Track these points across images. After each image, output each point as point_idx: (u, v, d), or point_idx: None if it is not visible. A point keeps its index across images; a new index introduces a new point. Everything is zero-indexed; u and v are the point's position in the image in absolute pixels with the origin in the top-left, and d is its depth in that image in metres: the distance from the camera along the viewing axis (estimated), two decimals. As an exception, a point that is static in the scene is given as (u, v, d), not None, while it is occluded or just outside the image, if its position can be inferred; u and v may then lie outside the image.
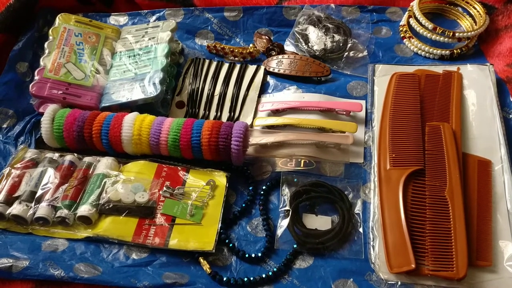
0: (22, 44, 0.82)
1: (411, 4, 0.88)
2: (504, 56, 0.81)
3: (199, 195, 0.67)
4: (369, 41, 0.86)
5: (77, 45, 0.79)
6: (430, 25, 0.84)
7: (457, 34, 0.82)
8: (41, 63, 0.76)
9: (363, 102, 0.78)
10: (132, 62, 0.79)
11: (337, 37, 0.85)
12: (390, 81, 0.78)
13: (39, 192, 0.65)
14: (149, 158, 0.71)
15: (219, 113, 0.78)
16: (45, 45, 0.77)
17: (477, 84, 0.77)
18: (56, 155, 0.70)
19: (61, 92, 0.74)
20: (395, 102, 0.74)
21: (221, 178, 0.69)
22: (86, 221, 0.63)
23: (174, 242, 0.62)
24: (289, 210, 0.65)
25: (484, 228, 0.62)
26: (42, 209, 0.63)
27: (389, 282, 0.60)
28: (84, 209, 0.63)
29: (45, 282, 0.59)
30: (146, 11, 0.91)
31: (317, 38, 0.85)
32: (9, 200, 0.64)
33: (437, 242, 0.60)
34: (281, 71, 0.83)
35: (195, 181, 0.69)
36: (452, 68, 0.80)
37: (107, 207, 0.64)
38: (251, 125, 0.76)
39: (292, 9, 0.90)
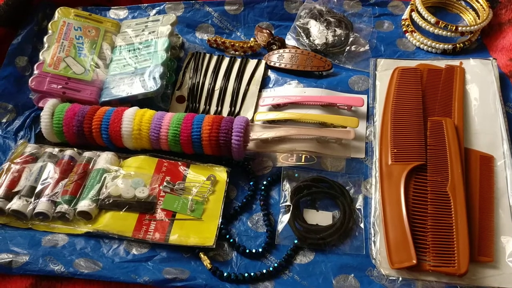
0: (21, 38, 0.82)
1: (414, -3, 0.87)
2: (507, 51, 0.80)
3: (200, 190, 0.66)
4: (371, 35, 0.86)
5: (76, 39, 0.78)
6: (432, 19, 0.83)
7: (460, 28, 0.82)
8: (41, 57, 0.75)
9: (364, 96, 0.77)
10: (132, 56, 0.78)
11: (338, 31, 0.84)
12: (392, 75, 0.78)
13: (39, 187, 0.65)
14: (150, 153, 0.71)
15: (219, 108, 0.78)
16: (45, 39, 0.77)
17: (479, 78, 0.77)
18: (56, 150, 0.70)
19: (61, 86, 0.74)
20: (397, 97, 0.74)
21: (221, 173, 0.69)
22: (86, 216, 0.63)
23: (174, 237, 0.62)
24: (290, 205, 0.65)
25: (486, 223, 0.62)
26: (42, 204, 0.63)
27: (390, 278, 0.60)
28: (84, 204, 0.63)
29: (45, 277, 0.59)
30: (146, 4, 0.91)
31: (318, 32, 0.84)
32: (9, 195, 0.64)
33: (438, 237, 0.60)
34: (282, 66, 0.82)
35: (195, 176, 0.68)
36: (455, 62, 0.79)
37: (107, 202, 0.64)
38: (252, 120, 0.76)
39: (294, 2, 0.90)
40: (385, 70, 0.79)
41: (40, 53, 0.76)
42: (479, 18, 0.85)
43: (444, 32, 0.83)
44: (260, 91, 0.80)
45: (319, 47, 0.83)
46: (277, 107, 0.78)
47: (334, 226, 0.63)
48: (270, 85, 0.81)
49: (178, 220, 0.64)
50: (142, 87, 0.73)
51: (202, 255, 0.61)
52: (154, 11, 0.90)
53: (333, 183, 0.67)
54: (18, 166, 0.67)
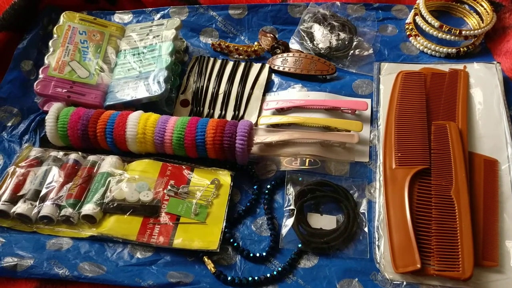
0: (27, 42, 0.82)
1: (417, 1, 0.87)
2: (511, 54, 0.80)
3: (204, 194, 0.67)
4: (374, 39, 0.86)
5: (81, 43, 0.79)
6: (436, 23, 0.83)
7: (463, 32, 0.82)
8: (46, 61, 0.76)
9: (368, 100, 0.78)
10: (137, 60, 0.79)
11: (342, 35, 0.84)
12: (396, 79, 0.78)
13: (44, 191, 0.65)
14: (154, 157, 0.71)
15: (223, 112, 0.78)
16: (50, 43, 0.77)
17: (483, 82, 0.77)
18: (60, 154, 0.70)
19: (66, 90, 0.74)
20: (401, 101, 0.74)
21: (225, 177, 0.69)
22: (90, 220, 0.63)
23: (178, 241, 0.62)
24: (294, 209, 0.65)
25: (490, 228, 0.62)
26: (47, 208, 0.63)
27: (395, 282, 0.59)
28: (88, 208, 0.63)
29: (50, 281, 0.59)
30: (151, 9, 0.91)
31: (322, 36, 0.84)
32: (14, 199, 0.64)
33: (443, 242, 0.60)
34: (286, 69, 0.82)
35: (199, 180, 0.68)
36: (459, 66, 0.79)
37: (112, 206, 0.64)
38: (256, 124, 0.76)
39: (297, 6, 0.90)
40: (389, 74, 0.80)
41: (45, 57, 0.76)
42: (483, 22, 0.85)
43: (448, 36, 0.83)
44: (264, 95, 0.80)
45: (323, 51, 0.83)
46: (281, 111, 0.78)
47: (338, 230, 0.63)
48: (274, 89, 0.81)
49: (182, 224, 0.64)
50: (146, 91, 0.74)
51: (206, 259, 0.61)
52: (158, 15, 0.91)
53: (337, 187, 0.67)
54: (23, 169, 0.67)
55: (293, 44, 0.87)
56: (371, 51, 0.85)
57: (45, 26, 0.86)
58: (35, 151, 0.70)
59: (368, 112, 0.77)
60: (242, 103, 0.79)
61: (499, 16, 0.85)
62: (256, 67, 0.83)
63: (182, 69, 0.84)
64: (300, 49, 0.86)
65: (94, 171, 0.68)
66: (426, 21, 0.84)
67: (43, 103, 0.75)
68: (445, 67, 0.79)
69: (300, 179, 0.69)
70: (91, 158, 0.70)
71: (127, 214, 0.64)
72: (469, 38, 0.83)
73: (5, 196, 0.64)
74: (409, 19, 0.89)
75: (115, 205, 0.64)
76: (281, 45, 0.85)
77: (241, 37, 0.89)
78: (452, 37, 0.83)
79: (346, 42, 0.84)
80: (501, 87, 0.75)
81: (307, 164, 0.70)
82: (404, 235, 0.61)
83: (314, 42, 0.85)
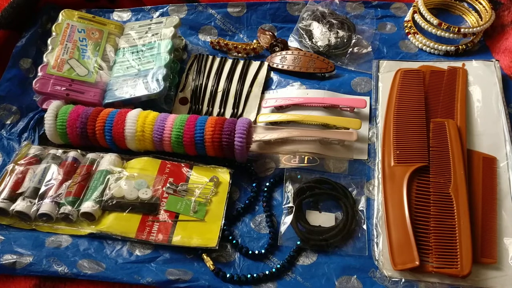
0: (26, 40, 0.82)
1: (416, -1, 0.87)
2: (510, 52, 0.80)
3: (203, 192, 0.67)
4: (373, 37, 0.86)
5: (80, 41, 0.79)
6: (435, 21, 0.83)
7: (462, 30, 0.82)
8: (44, 59, 0.76)
9: (367, 98, 0.77)
10: (135, 58, 0.79)
11: (341, 33, 0.84)
12: (394, 77, 0.78)
13: (43, 189, 0.65)
14: (153, 155, 0.71)
15: (222, 110, 0.78)
16: (48, 41, 0.77)
17: (482, 80, 0.77)
18: (59, 152, 0.70)
19: (65, 88, 0.74)
20: (399, 99, 0.74)
21: (224, 175, 0.69)
22: (89, 217, 0.64)
23: (177, 239, 0.62)
24: (292, 206, 0.65)
25: (488, 225, 0.62)
26: (46, 206, 0.63)
27: (393, 279, 0.60)
28: (87, 206, 0.63)
29: (49, 278, 0.59)
30: (150, 7, 0.91)
31: (321, 34, 0.84)
32: (13, 197, 0.64)
33: (441, 239, 0.60)
34: (285, 67, 0.82)
35: (198, 177, 0.68)
36: (457, 64, 0.79)
37: (111, 204, 0.64)
38: (255, 122, 0.76)
39: (296, 4, 0.90)
40: (387, 72, 0.80)
41: (44, 55, 0.76)
42: (481, 20, 0.85)
43: (446, 34, 0.83)
44: (262, 92, 0.80)
45: (322, 49, 0.83)
46: (279, 109, 0.78)
47: (336, 227, 0.64)
48: (273, 87, 0.82)
49: (181, 221, 0.64)
50: (145, 89, 0.74)
51: (205, 256, 0.62)
52: (157, 13, 0.91)
53: (336, 184, 0.67)
54: (22, 167, 0.67)
55: (292, 42, 0.87)
56: (369, 49, 0.85)
57: (44, 24, 0.86)
58: (34, 149, 0.71)
59: (366, 110, 0.77)
60: (241, 101, 0.79)
61: (497, 14, 0.85)
62: (255, 65, 0.83)
63: (181, 67, 0.84)
64: (299, 47, 0.86)
65: (93, 168, 0.68)
66: (425, 19, 0.84)
67: (42, 101, 0.75)
68: (444, 65, 0.79)
69: (299, 176, 0.69)
70: (90, 156, 0.70)
71: (126, 211, 0.64)
72: (468, 36, 0.83)
73: (4, 194, 0.64)
74: (407, 17, 0.89)
75: (114, 202, 0.64)
76: (280, 43, 0.85)
77: (240, 35, 0.89)
78: (451, 35, 0.83)
79: (345, 40, 0.84)
80: (499, 85, 0.75)
81: (306, 162, 0.71)
82: (403, 233, 0.61)
83: (313, 40, 0.85)
